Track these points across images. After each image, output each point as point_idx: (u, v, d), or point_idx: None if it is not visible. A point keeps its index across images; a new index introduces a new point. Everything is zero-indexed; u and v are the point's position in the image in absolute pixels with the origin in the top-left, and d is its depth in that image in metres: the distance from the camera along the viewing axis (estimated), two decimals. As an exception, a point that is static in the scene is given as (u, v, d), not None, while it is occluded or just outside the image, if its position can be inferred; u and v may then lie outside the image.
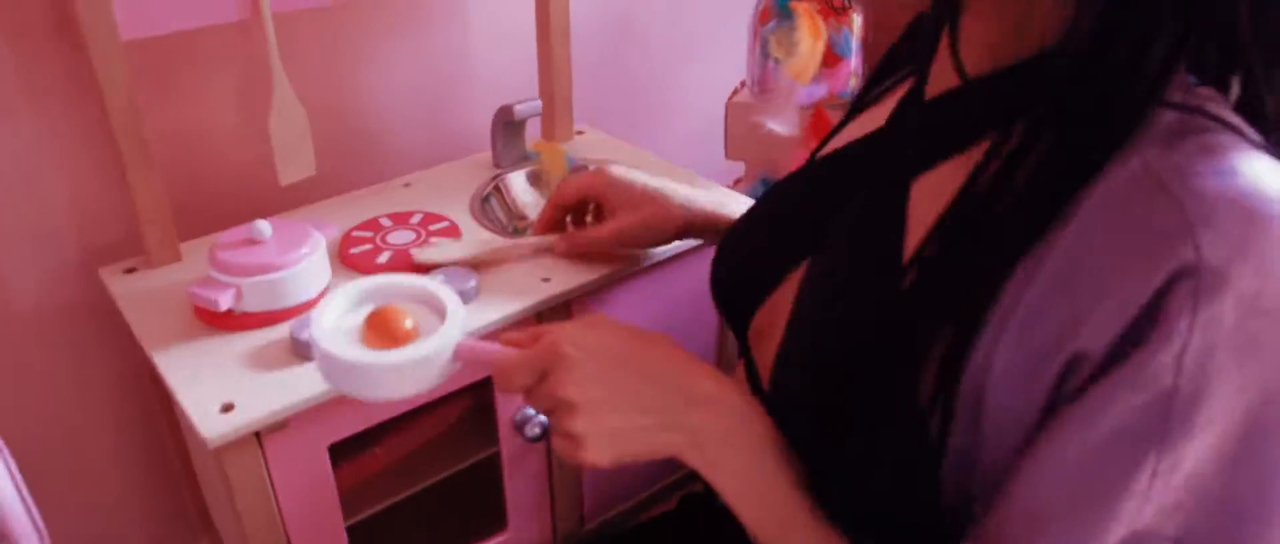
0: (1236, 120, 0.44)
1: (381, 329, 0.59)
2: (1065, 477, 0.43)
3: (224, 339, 0.87)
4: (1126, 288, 0.41)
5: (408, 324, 0.59)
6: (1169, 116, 0.43)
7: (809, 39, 1.14)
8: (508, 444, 0.99)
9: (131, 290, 0.95)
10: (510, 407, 0.97)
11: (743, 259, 0.70)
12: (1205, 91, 0.45)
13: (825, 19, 1.16)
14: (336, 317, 0.61)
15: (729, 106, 1.28)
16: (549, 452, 1.04)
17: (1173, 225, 0.40)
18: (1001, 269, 0.44)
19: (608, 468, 0.57)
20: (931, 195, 0.51)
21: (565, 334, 0.57)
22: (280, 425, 0.80)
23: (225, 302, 0.86)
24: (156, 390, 1.02)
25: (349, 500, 0.91)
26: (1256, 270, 0.39)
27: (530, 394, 0.59)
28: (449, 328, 0.59)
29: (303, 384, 0.80)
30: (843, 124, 0.69)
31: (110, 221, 1.05)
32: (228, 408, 0.78)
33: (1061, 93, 0.44)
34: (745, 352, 0.71)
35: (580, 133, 1.29)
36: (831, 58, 1.18)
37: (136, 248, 0.99)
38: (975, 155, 0.48)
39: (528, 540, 1.08)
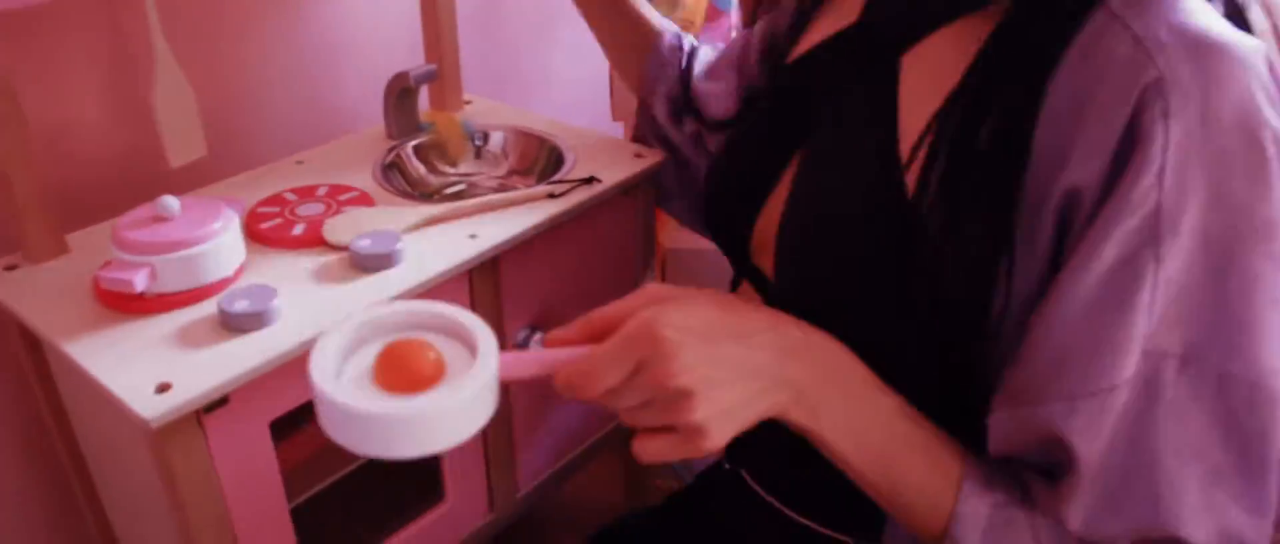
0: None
1: (404, 369, 0.49)
2: (1081, 312, 0.48)
3: (141, 323, 0.81)
4: (1105, 114, 0.46)
5: (432, 357, 0.50)
6: None
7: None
8: (443, 410, 0.98)
9: (17, 289, 0.87)
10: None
11: (730, 173, 0.73)
12: None
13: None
14: (335, 363, 0.51)
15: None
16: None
17: (1137, 53, 0.46)
18: (1014, 162, 0.49)
19: (712, 452, 0.53)
20: (922, 67, 0.56)
21: (657, 317, 0.50)
22: (222, 402, 0.76)
23: (140, 282, 0.80)
24: (45, 393, 0.94)
25: (290, 481, 0.88)
26: (1214, 87, 0.45)
27: (619, 394, 0.51)
28: (486, 351, 0.50)
29: (238, 359, 0.77)
30: (793, 37, 0.72)
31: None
32: (164, 388, 0.73)
33: None
34: (746, 271, 0.73)
35: (468, 102, 1.28)
36: (713, 11, 1.22)
37: (13, 244, 0.91)
38: (963, 28, 0.53)
39: (466, 509, 1.07)
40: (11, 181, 0.86)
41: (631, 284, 1.17)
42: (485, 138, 1.18)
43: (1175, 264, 0.46)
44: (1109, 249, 0.46)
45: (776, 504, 0.75)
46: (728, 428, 0.51)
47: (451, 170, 1.16)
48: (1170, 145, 0.45)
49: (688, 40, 1.01)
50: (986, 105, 0.51)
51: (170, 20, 1.00)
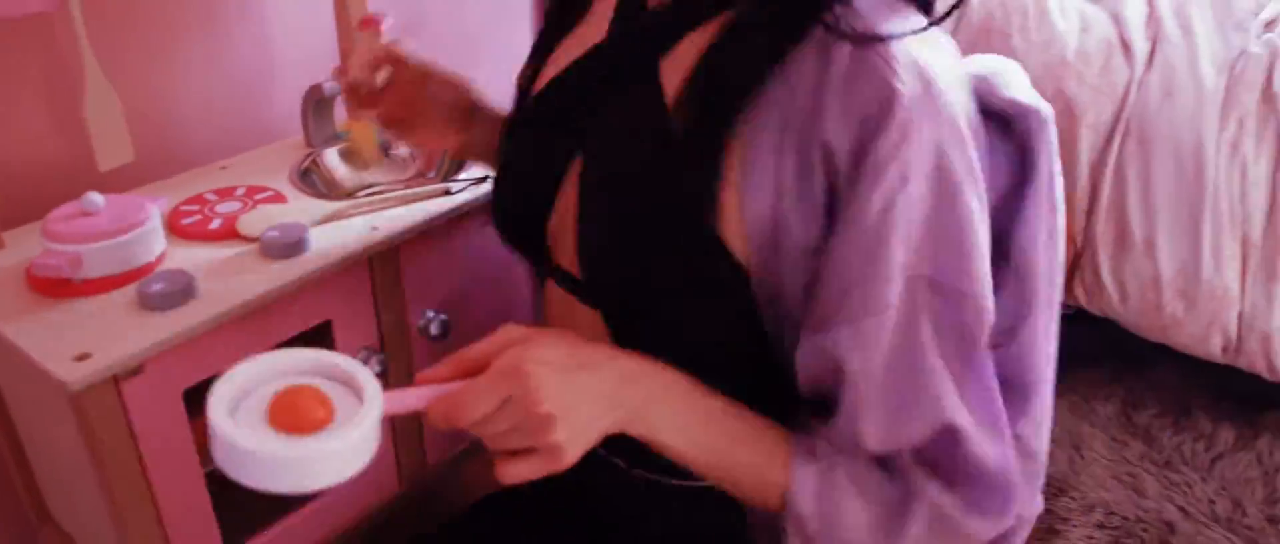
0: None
1: (296, 412, 0.55)
2: (856, 250, 0.62)
3: (68, 304, 0.91)
4: (859, 107, 0.59)
5: (322, 402, 0.56)
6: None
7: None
8: (350, 387, 1.08)
9: (-45, 277, 0.97)
10: (349, 354, 1.06)
11: (518, 184, 0.82)
12: None
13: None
14: (230, 403, 0.56)
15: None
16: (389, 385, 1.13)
17: (881, 65, 0.59)
18: (745, 99, 0.62)
19: (568, 467, 0.61)
20: (677, 66, 0.68)
21: (522, 355, 0.59)
22: (136, 370, 0.86)
23: (67, 268, 0.91)
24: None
25: (205, 451, 0.98)
26: (930, 94, 0.59)
27: (489, 421, 0.59)
28: (371, 397, 0.57)
29: (153, 332, 0.87)
30: (539, 61, 0.82)
31: (-81, 219, 1.06)
32: (83, 357, 0.83)
33: None
34: (548, 271, 0.83)
35: (385, 113, 1.39)
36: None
37: (-49, 238, 1.01)
38: (709, 29, 0.65)
39: (375, 480, 1.17)
40: (-49, 182, 0.97)
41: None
42: (396, 145, 1.29)
43: (917, 208, 0.60)
44: (872, 200, 0.60)
45: (622, 465, 0.86)
46: (581, 445, 0.61)
47: (365, 174, 1.27)
48: (910, 119, 0.59)
49: None
50: (727, 66, 0.65)
51: (103, 37, 1.10)
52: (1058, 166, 0.80)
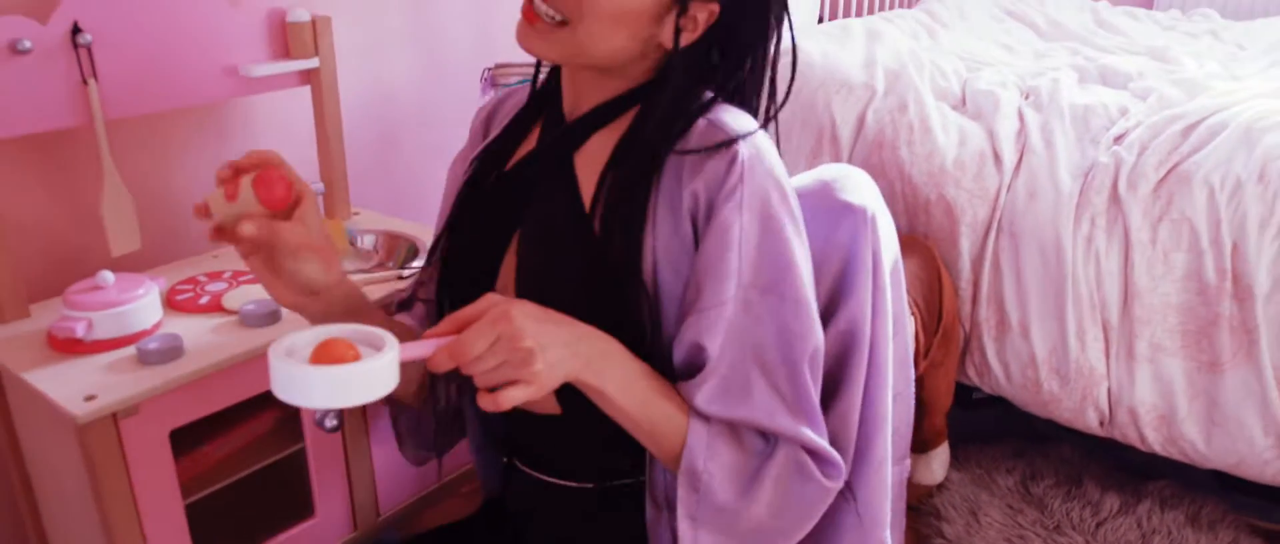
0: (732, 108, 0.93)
1: (330, 353, 0.71)
2: (707, 259, 0.87)
3: (80, 360, 1.14)
4: (712, 166, 0.86)
5: (351, 347, 0.72)
6: (707, 102, 0.91)
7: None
8: (311, 439, 1.29)
9: (-10, 339, 1.20)
10: (311, 412, 1.27)
11: (467, 257, 1.05)
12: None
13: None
14: (284, 352, 0.72)
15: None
16: (346, 447, 1.34)
17: (725, 135, 0.85)
18: (645, 187, 0.86)
19: (543, 394, 0.80)
20: (589, 159, 0.93)
21: (508, 307, 0.78)
22: (133, 411, 1.08)
23: (80, 330, 1.13)
24: (2, 423, 1.25)
25: (187, 486, 1.18)
26: (758, 156, 0.85)
27: (481, 359, 0.76)
28: (390, 344, 0.74)
29: (148, 382, 1.09)
30: (487, 171, 1.06)
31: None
32: (90, 397, 1.05)
33: (662, 102, 0.90)
34: None
35: (356, 213, 1.64)
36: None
37: (-13, 311, 1.24)
38: (616, 129, 0.91)
39: (332, 525, 1.36)
40: (-9, 263, 1.20)
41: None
42: (362, 239, 1.53)
43: (747, 233, 0.85)
44: (717, 225, 0.85)
45: (538, 475, 1.06)
46: (553, 377, 0.80)
47: (336, 263, 1.50)
48: (744, 172, 0.85)
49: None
50: (629, 165, 0.90)
51: (120, 145, 1.36)
52: (887, 257, 1.03)
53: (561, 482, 1.04)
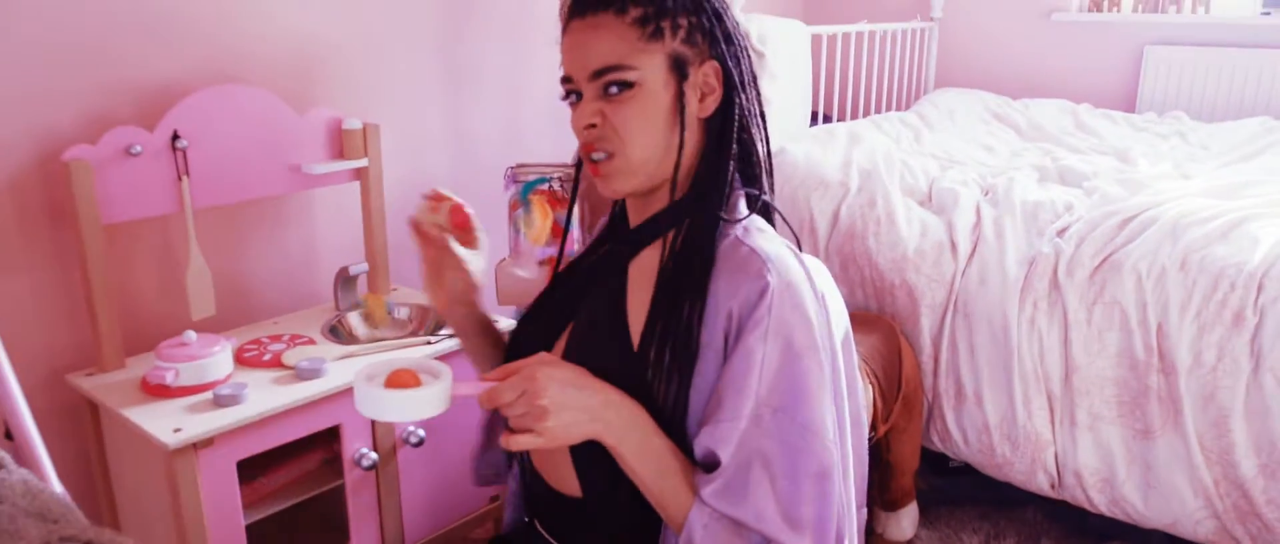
0: (763, 223, 1.09)
1: (398, 379, 0.91)
2: (730, 377, 1.01)
3: (168, 402, 1.42)
4: (745, 291, 1.01)
5: (413, 375, 0.92)
6: (741, 220, 1.07)
7: (540, 218, 1.84)
8: (350, 477, 1.56)
9: (95, 385, 1.49)
10: (351, 452, 1.54)
11: (529, 334, 1.26)
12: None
13: (552, 205, 1.86)
14: (366, 379, 0.92)
15: (496, 268, 1.95)
16: (379, 487, 1.60)
17: (761, 265, 1.02)
18: (693, 311, 1.03)
19: (553, 446, 0.93)
20: (641, 269, 1.13)
21: (537, 370, 0.91)
22: (209, 442, 1.36)
23: (169, 377, 1.42)
24: (97, 449, 1.53)
25: (247, 508, 1.45)
26: (787, 287, 1.02)
27: (511, 406, 0.91)
28: (444, 374, 0.94)
29: (221, 420, 1.37)
30: (577, 261, 1.29)
31: (68, 347, 1.59)
32: (177, 430, 1.33)
33: (695, 216, 1.06)
34: None
35: (395, 288, 1.93)
36: (557, 229, 1.88)
37: (90, 360, 1.54)
38: (660, 245, 1.10)
39: (366, 553, 1.62)
40: (98, 325, 1.50)
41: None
42: (398, 310, 1.82)
43: (770, 357, 0.99)
44: (743, 348, 0.99)
45: (548, 535, 1.20)
46: (563, 436, 0.92)
47: (375, 330, 1.79)
48: (770, 316, 0.99)
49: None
50: (674, 300, 1.03)
51: (202, 229, 1.66)
52: (837, 331, 1.20)
53: None
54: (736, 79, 1.07)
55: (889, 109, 3.15)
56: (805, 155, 2.21)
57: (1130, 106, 3.11)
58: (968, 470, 2.13)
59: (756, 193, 1.11)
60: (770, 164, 1.13)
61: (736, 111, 1.09)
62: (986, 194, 2.09)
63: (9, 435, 1.18)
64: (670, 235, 1.08)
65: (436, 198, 1.11)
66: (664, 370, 1.02)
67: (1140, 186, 2.06)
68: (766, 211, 1.13)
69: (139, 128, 1.52)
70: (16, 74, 1.49)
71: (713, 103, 1.05)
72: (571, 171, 1.84)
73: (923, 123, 2.77)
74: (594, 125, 1.03)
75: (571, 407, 0.95)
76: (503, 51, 2.25)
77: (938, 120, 2.81)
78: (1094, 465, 1.82)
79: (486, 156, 2.25)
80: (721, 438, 0.99)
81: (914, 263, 1.95)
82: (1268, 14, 2.92)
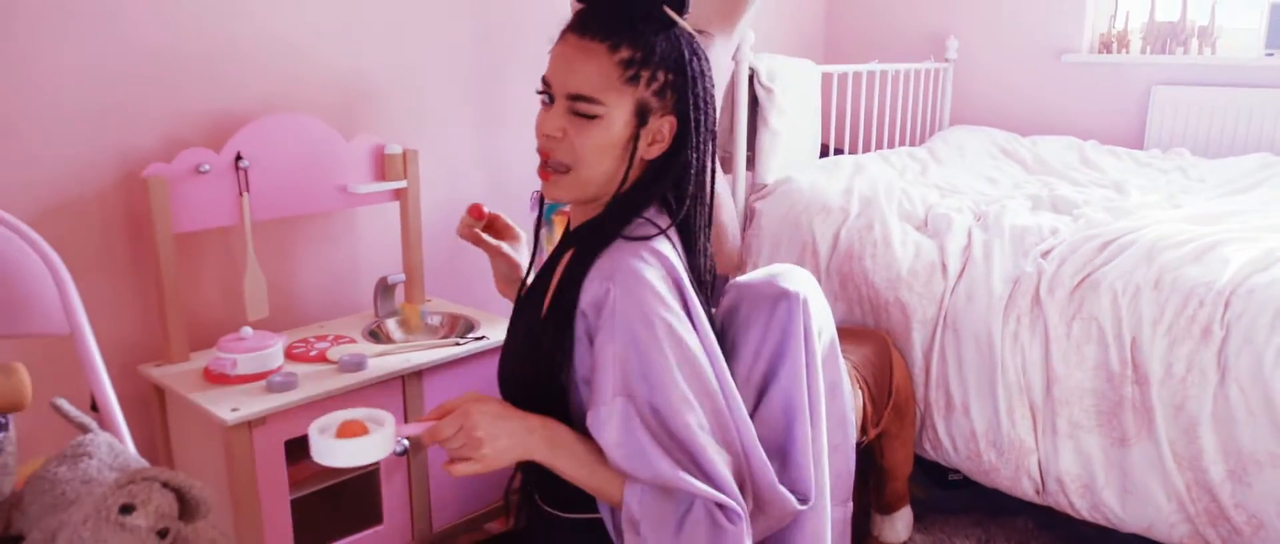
0: (662, 244, 1.25)
1: (349, 429, 1.08)
2: (597, 366, 1.18)
3: (227, 388, 1.63)
4: (594, 295, 1.20)
5: (361, 425, 1.09)
6: (637, 239, 1.25)
7: (560, 234, 2.03)
8: (384, 463, 1.75)
9: (163, 374, 1.70)
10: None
11: (511, 331, 1.48)
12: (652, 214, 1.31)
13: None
14: (319, 430, 1.09)
15: (523, 281, 2.14)
16: (410, 469, 1.79)
17: (609, 275, 1.21)
18: (573, 305, 1.24)
19: (490, 470, 1.11)
20: (562, 270, 1.33)
21: (470, 407, 1.10)
22: (261, 421, 1.56)
23: (229, 367, 1.63)
24: (163, 433, 1.74)
25: (292, 484, 1.64)
26: (627, 293, 1.19)
27: (449, 440, 1.10)
28: (387, 426, 1.10)
29: (273, 403, 1.56)
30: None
31: (140, 342, 1.80)
32: (236, 409, 1.53)
33: (596, 230, 1.26)
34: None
35: (429, 299, 2.13)
36: (578, 247, 2.07)
37: (159, 354, 1.75)
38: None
39: (395, 533, 1.80)
40: (167, 322, 1.71)
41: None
42: (431, 318, 2.01)
43: (619, 350, 1.16)
44: (597, 345, 1.18)
45: (544, 506, 1.45)
46: (500, 460, 1.10)
47: (410, 335, 1.99)
48: (614, 308, 1.17)
49: None
50: (561, 294, 1.23)
51: (259, 237, 1.88)
52: (818, 333, 1.38)
53: (559, 513, 1.36)
54: (691, 139, 1.24)
55: (904, 145, 3.32)
56: (810, 183, 2.39)
57: (1139, 144, 3.25)
58: (968, 483, 2.27)
59: (659, 225, 1.24)
60: (709, 208, 1.30)
61: (682, 161, 1.25)
62: (979, 219, 2.25)
63: (94, 407, 1.39)
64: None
65: (475, 212, 1.39)
66: (552, 350, 1.21)
67: (1125, 213, 2.21)
68: (689, 239, 1.29)
69: (207, 149, 1.74)
70: (104, 101, 1.72)
71: (658, 150, 1.22)
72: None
73: (931, 157, 2.94)
74: (555, 137, 1.20)
75: (501, 435, 1.12)
76: (530, 87, 2.46)
77: (946, 155, 2.98)
78: (1075, 472, 1.96)
79: (515, 182, 2.46)
80: (600, 422, 1.15)
81: (907, 282, 2.12)
82: (1271, 55, 3.06)
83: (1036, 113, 3.43)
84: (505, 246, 1.41)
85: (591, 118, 1.18)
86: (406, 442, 1.78)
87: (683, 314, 1.20)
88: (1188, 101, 3.15)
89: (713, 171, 1.29)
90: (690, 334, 1.20)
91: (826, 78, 2.77)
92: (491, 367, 1.85)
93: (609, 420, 1.15)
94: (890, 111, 3.27)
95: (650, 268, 1.20)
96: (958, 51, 3.51)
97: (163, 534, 1.01)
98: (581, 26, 1.19)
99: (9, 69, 1.61)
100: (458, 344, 1.84)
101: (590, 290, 1.18)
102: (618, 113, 1.18)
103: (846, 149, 3.08)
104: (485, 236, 1.39)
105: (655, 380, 1.15)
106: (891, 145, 3.26)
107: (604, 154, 1.21)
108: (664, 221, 1.25)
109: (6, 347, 1.60)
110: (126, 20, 1.73)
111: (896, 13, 3.66)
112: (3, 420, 1.17)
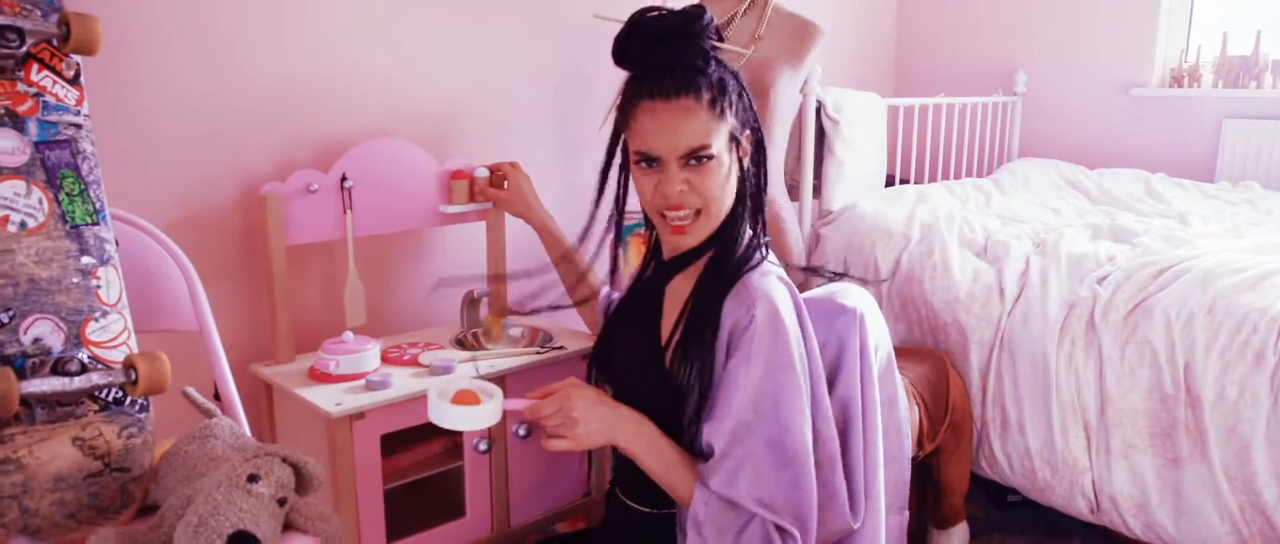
0: (773, 259, 1.43)
1: (463, 396, 1.26)
2: (722, 386, 1.35)
3: (331, 386, 1.80)
4: (737, 318, 1.34)
5: (475, 394, 1.27)
6: (756, 262, 1.41)
7: (634, 256, 2.18)
8: (469, 460, 1.90)
9: (272, 372, 1.88)
10: (473, 437, 1.89)
11: (601, 343, 1.63)
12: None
13: (645, 243, 2.21)
14: (437, 394, 1.29)
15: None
16: (492, 467, 1.94)
17: (752, 300, 1.35)
18: (706, 325, 1.38)
19: (581, 449, 1.28)
20: (673, 294, 1.47)
21: (571, 391, 1.28)
22: (360, 415, 1.73)
23: (331, 367, 1.81)
24: (269, 423, 1.92)
25: (385, 475, 1.81)
26: (770, 318, 1.34)
27: (548, 418, 1.27)
28: (496, 398, 1.29)
29: (371, 400, 1.73)
30: (633, 283, 1.64)
31: (250, 343, 2.00)
32: (339, 404, 1.70)
33: (720, 254, 1.41)
34: (599, 380, 1.61)
35: (511, 312, 2.29)
36: (650, 266, 2.21)
37: (267, 354, 1.94)
38: (690, 273, 1.44)
39: (477, 526, 1.95)
40: (278, 325, 1.90)
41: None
42: (511, 329, 2.18)
43: (753, 374, 1.30)
44: (732, 364, 1.32)
45: (626, 501, 1.58)
46: (589, 441, 1.28)
47: (493, 344, 2.15)
48: (756, 332, 1.31)
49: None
50: (698, 318, 1.38)
51: (360, 251, 2.06)
52: (875, 346, 1.50)
53: (639, 506, 1.51)
54: (763, 141, 1.41)
55: (972, 176, 3.41)
56: (874, 210, 2.50)
57: (1209, 178, 3.29)
58: (1027, 505, 2.35)
59: (765, 239, 1.42)
60: (763, 208, 1.45)
61: (764, 170, 1.42)
62: (1037, 247, 2.34)
63: (217, 397, 1.57)
64: (701, 265, 1.40)
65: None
66: (680, 363, 1.35)
67: (1183, 242, 2.28)
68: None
69: (316, 170, 1.94)
70: (227, 127, 1.93)
71: (747, 162, 1.37)
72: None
73: (996, 188, 3.02)
74: (683, 192, 1.33)
75: (594, 419, 1.28)
76: (603, 118, 2.64)
77: (1012, 186, 3.06)
78: (1128, 491, 2.02)
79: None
80: (716, 431, 1.30)
81: (965, 304, 2.21)
82: (1344, 89, 3.08)
83: (1105, 146, 3.48)
84: (543, 220, 1.89)
85: (706, 161, 1.32)
86: (526, 430, 1.94)
87: (803, 344, 1.33)
88: (1260, 135, 3.17)
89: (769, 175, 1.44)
90: (809, 364, 1.33)
91: (894, 111, 2.88)
92: (566, 374, 2.00)
93: (722, 433, 1.28)
94: (959, 144, 3.36)
95: (785, 299, 1.34)
96: (1027, 85, 3.58)
97: (282, 502, 1.18)
98: (662, 91, 1.31)
99: (148, 98, 1.82)
100: (538, 352, 2.00)
101: (732, 314, 1.31)
102: (720, 147, 1.33)
103: (913, 179, 3.19)
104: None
105: (782, 407, 1.29)
106: (960, 177, 3.35)
107: (725, 186, 1.36)
108: (775, 279, 1.37)
109: (144, 341, 1.80)
110: (247, 54, 1.94)
111: (965, 48, 3.76)
112: (144, 402, 1.35)
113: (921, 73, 3.86)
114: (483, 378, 1.82)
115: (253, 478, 1.15)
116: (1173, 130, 3.36)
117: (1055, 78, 3.57)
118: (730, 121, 1.36)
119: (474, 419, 1.27)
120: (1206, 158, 3.31)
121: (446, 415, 1.26)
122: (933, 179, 3.31)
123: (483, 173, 2.16)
